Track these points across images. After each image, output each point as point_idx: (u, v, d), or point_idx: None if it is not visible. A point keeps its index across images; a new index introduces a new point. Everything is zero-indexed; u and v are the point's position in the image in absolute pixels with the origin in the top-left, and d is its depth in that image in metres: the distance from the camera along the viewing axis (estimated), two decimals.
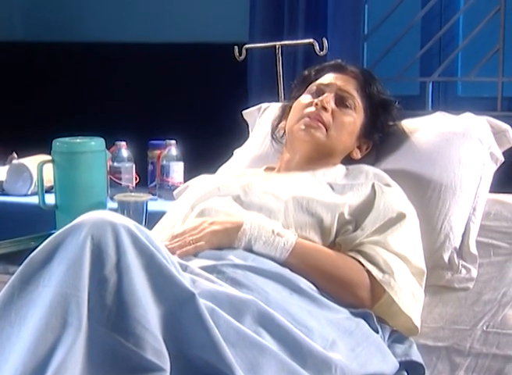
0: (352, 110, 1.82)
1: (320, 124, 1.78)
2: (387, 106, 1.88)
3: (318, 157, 1.80)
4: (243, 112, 2.27)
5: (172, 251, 1.49)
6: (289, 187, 1.70)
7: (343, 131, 1.80)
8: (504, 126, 1.96)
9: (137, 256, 1.22)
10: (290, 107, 1.89)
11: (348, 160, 1.85)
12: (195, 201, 1.74)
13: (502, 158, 1.94)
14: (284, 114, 1.93)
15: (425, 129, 1.94)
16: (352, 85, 1.83)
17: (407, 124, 1.96)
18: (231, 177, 1.86)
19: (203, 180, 1.89)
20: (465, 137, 1.91)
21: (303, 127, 1.79)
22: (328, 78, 1.86)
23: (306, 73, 1.95)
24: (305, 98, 1.85)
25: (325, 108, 1.79)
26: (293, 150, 1.83)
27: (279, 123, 1.96)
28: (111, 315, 1.17)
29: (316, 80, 1.88)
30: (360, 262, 1.56)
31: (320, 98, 1.80)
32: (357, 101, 1.83)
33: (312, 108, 1.80)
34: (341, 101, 1.82)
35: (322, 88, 1.83)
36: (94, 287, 1.18)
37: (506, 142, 1.95)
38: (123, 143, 2.56)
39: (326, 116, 1.79)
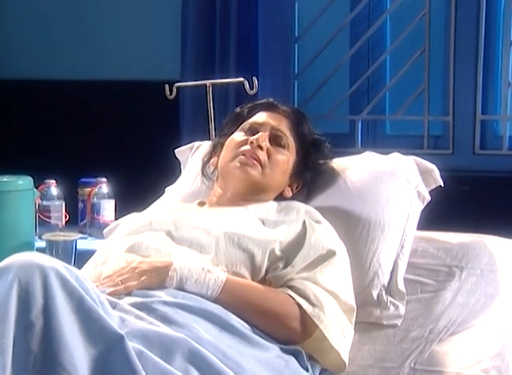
0: (285, 149, 1.85)
1: (256, 162, 1.80)
2: (318, 145, 1.92)
3: (251, 194, 1.81)
4: (176, 151, 2.27)
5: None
6: (221, 223, 1.70)
7: (277, 169, 1.83)
8: (430, 165, 2.00)
9: (66, 299, 1.21)
10: (222, 144, 1.90)
11: (280, 197, 1.86)
12: (125, 235, 1.73)
13: (428, 197, 1.98)
14: (215, 150, 1.94)
15: (355, 167, 1.97)
16: (285, 125, 1.87)
17: (338, 163, 1.99)
18: (163, 211, 1.85)
19: (133, 219, 1.88)
20: (393, 176, 1.95)
21: (238, 165, 1.80)
22: (261, 117, 1.88)
23: (238, 110, 1.97)
24: (238, 135, 1.86)
25: (260, 147, 1.81)
26: (226, 186, 1.84)
27: (209, 160, 1.97)
28: (36, 361, 1.15)
29: (249, 118, 1.90)
30: (291, 297, 1.56)
31: (255, 136, 1.82)
32: (290, 140, 1.86)
33: (247, 147, 1.81)
34: (275, 140, 1.84)
35: (256, 127, 1.86)
36: (19, 332, 1.16)
37: (432, 181, 1.99)
38: (53, 181, 2.54)
39: (262, 155, 1.81)
